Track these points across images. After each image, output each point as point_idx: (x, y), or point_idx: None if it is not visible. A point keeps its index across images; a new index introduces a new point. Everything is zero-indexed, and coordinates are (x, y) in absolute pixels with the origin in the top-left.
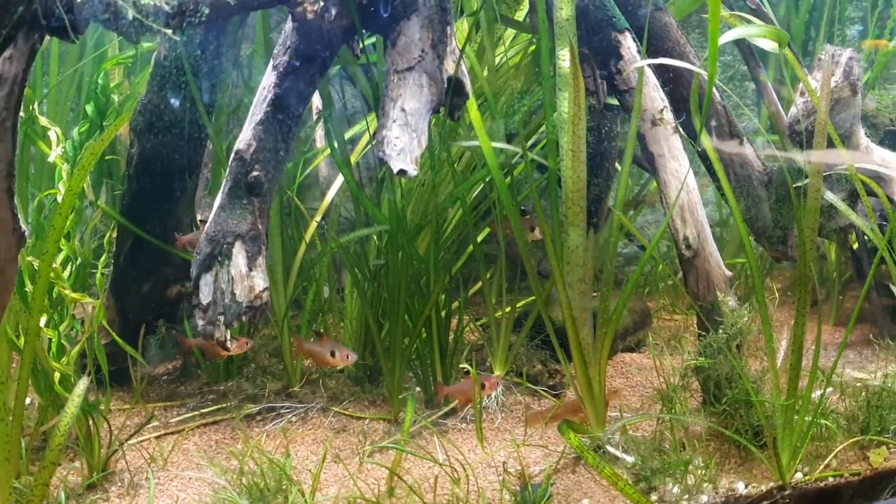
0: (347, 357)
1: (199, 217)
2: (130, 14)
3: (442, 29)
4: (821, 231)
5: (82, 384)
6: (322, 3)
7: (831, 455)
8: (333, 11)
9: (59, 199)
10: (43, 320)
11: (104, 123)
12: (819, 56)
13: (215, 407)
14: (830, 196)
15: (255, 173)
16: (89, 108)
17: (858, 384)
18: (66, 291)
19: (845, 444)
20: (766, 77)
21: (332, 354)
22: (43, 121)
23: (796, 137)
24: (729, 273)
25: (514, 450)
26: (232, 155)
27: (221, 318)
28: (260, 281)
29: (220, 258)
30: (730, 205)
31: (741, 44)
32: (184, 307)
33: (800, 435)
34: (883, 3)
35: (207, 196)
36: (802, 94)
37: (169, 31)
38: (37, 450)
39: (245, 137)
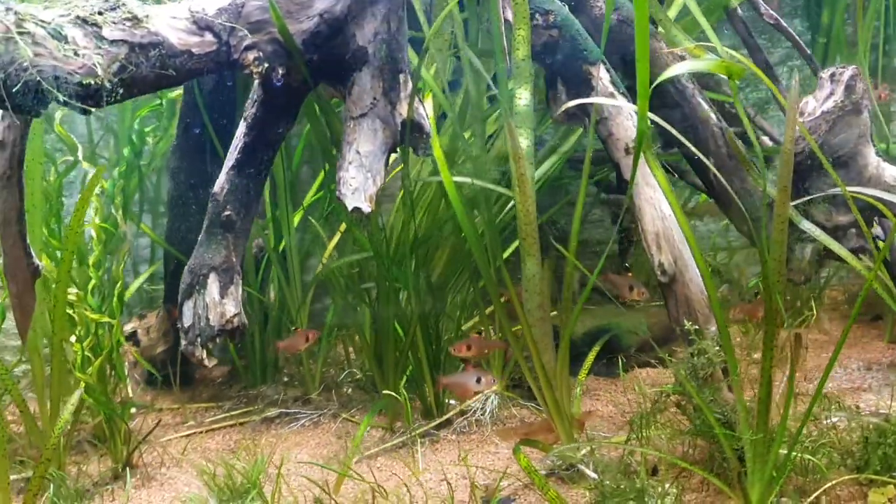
0: (493, 381)
1: None
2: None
3: (393, 77)
4: (829, 255)
5: (77, 395)
6: (266, 65)
7: (818, 492)
8: (281, 71)
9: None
10: (74, 337)
11: (140, 164)
12: (821, 75)
13: (241, 410)
14: (807, 225)
15: (227, 213)
16: (126, 151)
17: (866, 414)
18: (87, 312)
19: (836, 481)
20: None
21: (478, 381)
22: (85, 164)
23: (795, 157)
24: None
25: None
26: (210, 197)
27: (198, 339)
28: (231, 307)
29: (198, 287)
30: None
31: (758, 61)
32: None
33: (774, 468)
34: None
35: None
36: (802, 113)
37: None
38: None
39: (220, 181)
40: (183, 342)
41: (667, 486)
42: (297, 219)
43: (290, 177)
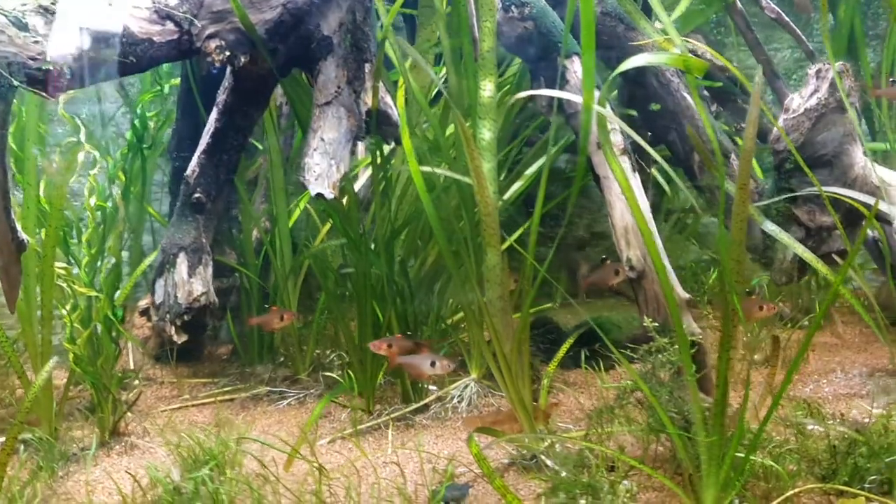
0: (448, 366)
1: None
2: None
3: (357, 67)
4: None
5: (50, 363)
6: (228, 54)
7: (779, 499)
8: (243, 59)
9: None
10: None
11: (143, 146)
12: (807, 71)
13: (231, 387)
14: (770, 226)
15: (197, 195)
16: (129, 135)
17: (835, 422)
18: (76, 286)
19: (798, 489)
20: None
21: (433, 364)
22: (87, 146)
23: (778, 155)
24: (685, 295)
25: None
26: (182, 180)
27: (167, 316)
28: (198, 286)
29: (168, 266)
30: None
31: (758, 57)
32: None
33: (730, 472)
34: None
35: None
36: (787, 110)
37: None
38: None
39: (191, 165)
40: (154, 318)
41: (625, 482)
42: (303, 202)
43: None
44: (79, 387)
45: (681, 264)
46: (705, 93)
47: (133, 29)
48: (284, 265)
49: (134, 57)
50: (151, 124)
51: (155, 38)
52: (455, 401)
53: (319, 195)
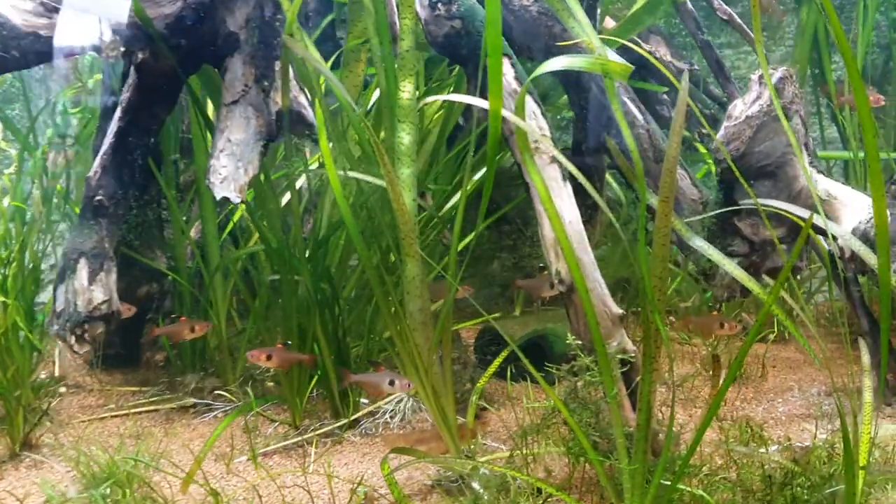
0: (408, 385)
1: None
2: None
3: (266, 64)
4: (757, 270)
5: None
6: (122, 49)
7: None
8: (141, 55)
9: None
10: None
11: (67, 146)
12: (751, 77)
13: (158, 398)
14: (698, 242)
15: (99, 197)
16: (49, 133)
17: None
18: None
19: None
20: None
21: (391, 383)
22: (2, 144)
23: (720, 164)
24: (617, 311)
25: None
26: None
27: (68, 324)
28: (99, 294)
29: (69, 272)
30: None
31: (709, 59)
32: (156, 305)
33: (655, 501)
34: None
35: None
36: (729, 117)
37: None
38: None
39: (94, 166)
40: (55, 326)
41: None
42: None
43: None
44: None
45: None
46: (664, 97)
47: (15, 21)
48: (211, 272)
49: (17, 52)
50: (75, 121)
51: (42, 32)
52: (388, 416)
53: (225, 199)
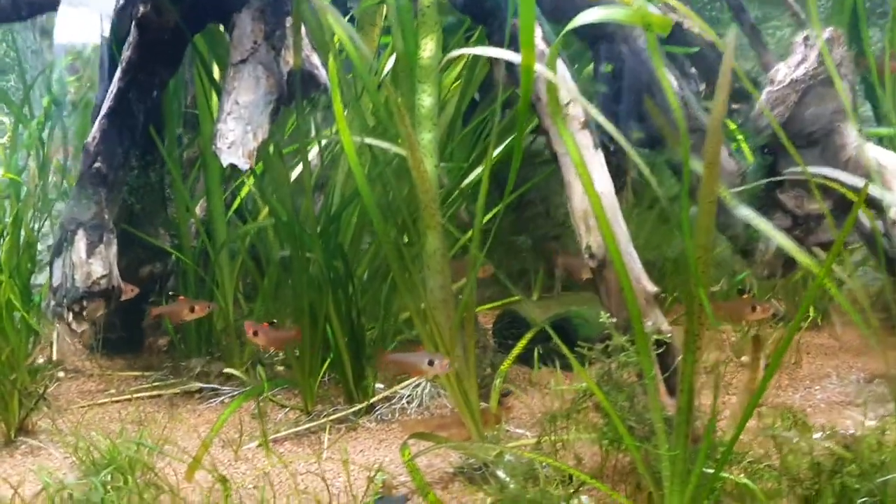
0: (446, 365)
1: None
2: None
3: (277, 21)
4: (803, 245)
5: None
6: (122, 2)
7: None
8: (142, 8)
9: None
10: None
11: (64, 114)
12: (794, 39)
13: (162, 382)
14: (745, 211)
15: (97, 165)
16: (45, 102)
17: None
18: None
19: None
20: None
21: (431, 363)
22: None
23: (761, 132)
24: (652, 289)
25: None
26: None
27: (65, 300)
28: (98, 268)
29: (66, 245)
30: None
31: (744, 24)
32: (159, 286)
33: (697, 490)
34: None
35: None
36: (772, 81)
37: None
38: None
39: (92, 131)
40: (52, 303)
41: (583, 497)
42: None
43: None
44: None
45: (667, 256)
46: (692, 70)
47: None
48: (217, 249)
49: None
50: (72, 90)
51: None
52: (404, 401)
53: (232, 166)
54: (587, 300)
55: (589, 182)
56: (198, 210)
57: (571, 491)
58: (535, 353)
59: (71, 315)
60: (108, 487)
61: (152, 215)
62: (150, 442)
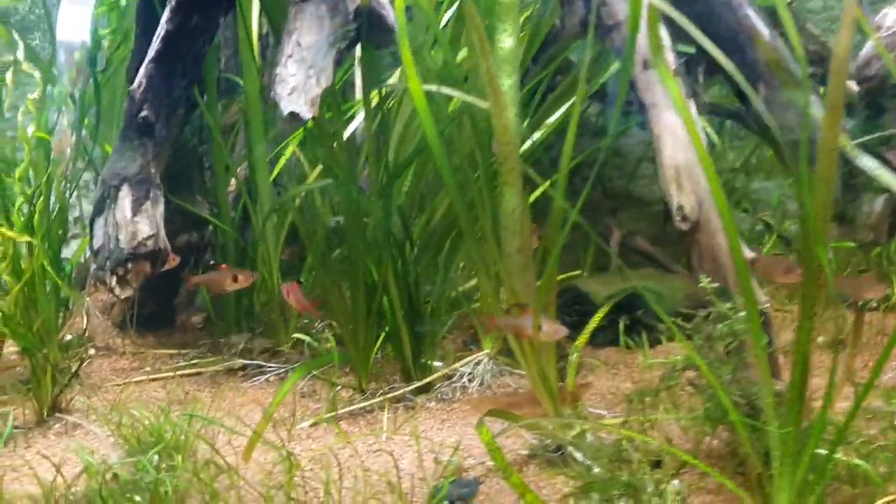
0: (557, 332)
1: None
2: None
3: None
4: None
5: None
6: None
7: None
8: None
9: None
10: None
11: (97, 71)
12: None
13: (201, 359)
14: (867, 161)
15: (144, 113)
16: (78, 55)
17: None
18: (4, 230)
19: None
20: None
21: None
22: (25, 66)
23: (866, 84)
24: (749, 254)
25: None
26: (126, 96)
27: (108, 263)
28: (145, 227)
29: (108, 202)
30: None
31: None
32: (195, 258)
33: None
34: None
35: None
36: (878, 28)
37: None
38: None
39: (138, 76)
40: (93, 266)
41: (674, 482)
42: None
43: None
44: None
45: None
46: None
47: None
48: (263, 217)
49: None
50: (106, 43)
51: None
52: (465, 380)
53: (293, 114)
54: (649, 276)
55: (695, 131)
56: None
57: (672, 473)
58: (621, 328)
59: (115, 279)
60: (160, 467)
61: (189, 180)
62: (195, 421)
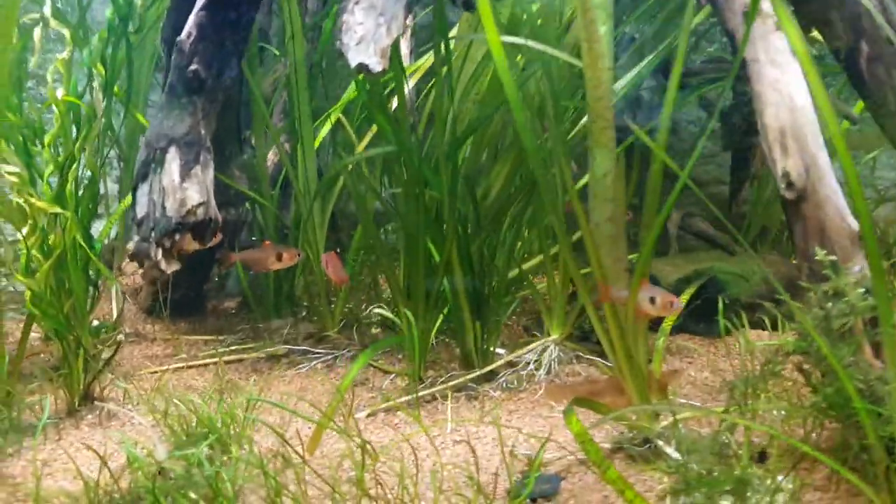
0: (672, 305)
1: None
2: None
3: None
4: None
5: None
6: None
7: None
8: None
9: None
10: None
11: (128, 31)
12: None
13: (241, 346)
14: None
15: (193, 67)
16: (109, 13)
17: None
18: (34, 200)
19: None
20: None
21: (652, 301)
22: (53, 23)
23: None
24: (857, 227)
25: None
26: (175, 47)
27: (153, 234)
28: (194, 194)
29: (154, 166)
30: None
31: None
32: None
33: None
34: None
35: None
36: None
37: None
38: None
39: (187, 25)
40: (135, 237)
41: (780, 478)
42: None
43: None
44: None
45: None
46: None
47: None
48: (309, 192)
49: None
50: (139, 2)
51: None
52: (531, 367)
53: (362, 66)
54: (716, 258)
55: (817, 81)
56: (271, 155)
57: (788, 468)
58: (720, 306)
59: (160, 252)
60: (215, 461)
61: (226, 152)
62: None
